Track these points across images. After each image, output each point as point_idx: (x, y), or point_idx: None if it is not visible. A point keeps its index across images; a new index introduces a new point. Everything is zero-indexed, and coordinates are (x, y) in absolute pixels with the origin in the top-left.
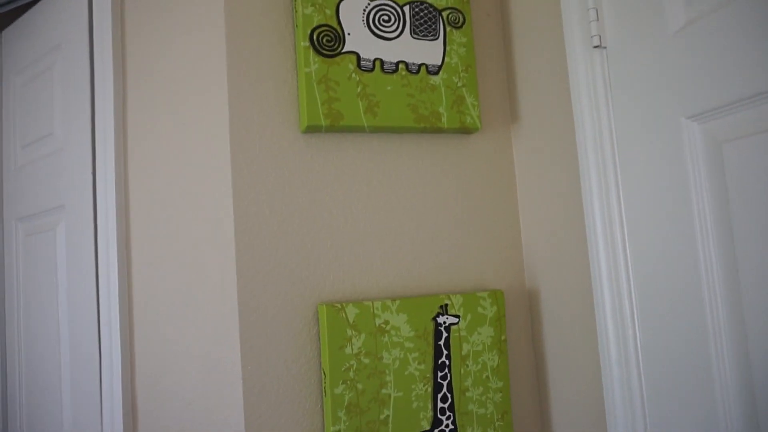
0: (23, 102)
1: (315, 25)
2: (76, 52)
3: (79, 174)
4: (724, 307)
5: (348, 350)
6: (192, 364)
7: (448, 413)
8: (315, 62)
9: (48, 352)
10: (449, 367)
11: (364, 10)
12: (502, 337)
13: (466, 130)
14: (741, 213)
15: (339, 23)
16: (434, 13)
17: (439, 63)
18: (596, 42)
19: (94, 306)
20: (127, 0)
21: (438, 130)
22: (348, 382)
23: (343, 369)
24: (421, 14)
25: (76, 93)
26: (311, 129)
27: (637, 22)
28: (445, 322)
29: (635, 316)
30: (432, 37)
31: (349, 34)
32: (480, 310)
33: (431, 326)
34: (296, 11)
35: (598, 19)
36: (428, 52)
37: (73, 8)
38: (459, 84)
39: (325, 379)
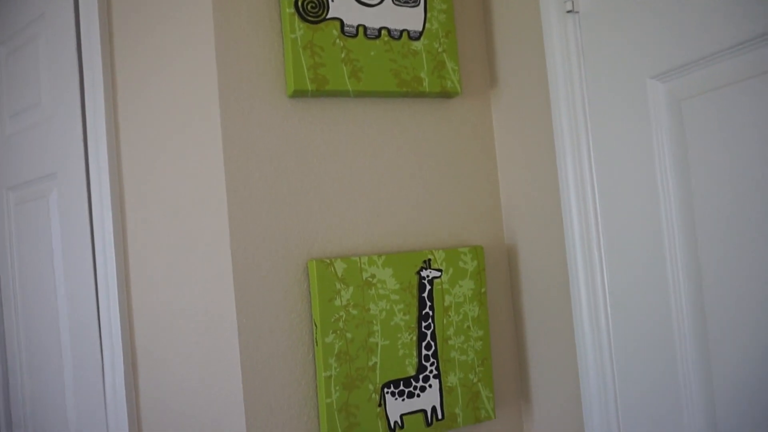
0: (9, 72)
1: None
2: (61, 19)
3: (69, 142)
4: (681, 248)
5: (337, 302)
6: (189, 320)
7: (432, 360)
8: (300, 28)
9: (46, 317)
10: (433, 317)
11: None
12: (482, 290)
13: (446, 95)
14: (697, 163)
15: None
16: None
17: (420, 29)
18: (569, 7)
19: (91, 269)
20: None
21: (420, 95)
22: (338, 332)
23: (332, 320)
24: None
25: (63, 62)
26: (298, 93)
27: None
28: (428, 276)
29: (603, 265)
30: (413, 4)
31: (333, 0)
32: (461, 264)
33: (415, 279)
34: None
35: None
36: (410, 18)
37: None
38: (440, 49)
39: (316, 329)
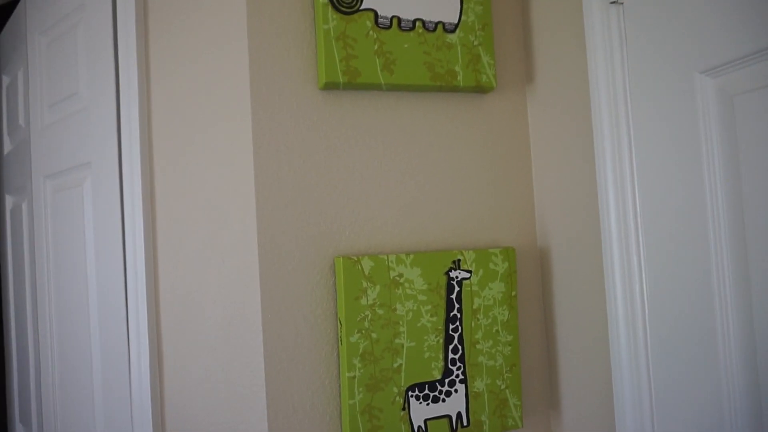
0: (49, 62)
1: None
2: (99, 10)
3: (104, 131)
4: (729, 256)
5: (363, 301)
6: (215, 313)
7: (458, 364)
8: (333, 19)
9: (76, 301)
10: (461, 320)
11: None
12: (513, 293)
13: (481, 89)
14: (750, 163)
15: None
16: None
17: (456, 21)
18: None
19: (120, 257)
20: None
21: (454, 89)
22: (363, 332)
23: (358, 319)
24: None
25: (100, 52)
26: (329, 86)
27: None
28: (457, 277)
29: (643, 273)
30: None
31: None
32: (492, 266)
33: (444, 280)
34: None
35: None
36: (445, 9)
37: None
38: (475, 42)
39: (341, 328)
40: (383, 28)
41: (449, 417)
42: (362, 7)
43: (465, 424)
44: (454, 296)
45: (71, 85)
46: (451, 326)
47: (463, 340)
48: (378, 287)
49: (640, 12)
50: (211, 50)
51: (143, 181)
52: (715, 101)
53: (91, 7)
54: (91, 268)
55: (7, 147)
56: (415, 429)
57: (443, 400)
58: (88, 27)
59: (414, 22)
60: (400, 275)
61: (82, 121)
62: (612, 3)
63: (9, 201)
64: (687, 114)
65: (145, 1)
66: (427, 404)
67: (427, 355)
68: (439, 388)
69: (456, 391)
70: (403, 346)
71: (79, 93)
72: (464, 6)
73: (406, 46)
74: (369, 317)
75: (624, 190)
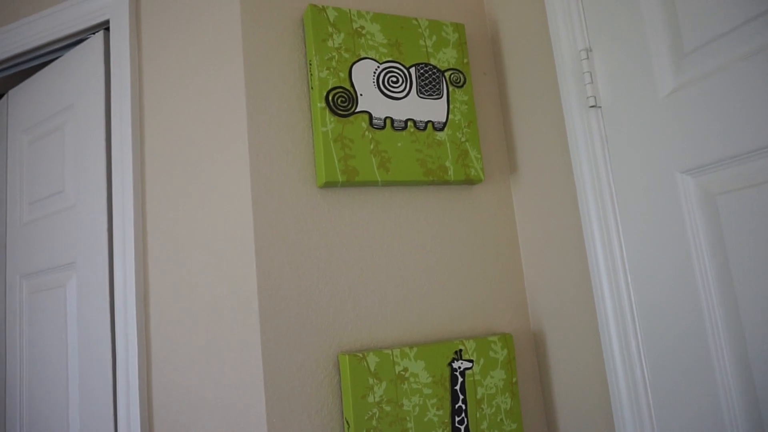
0: (30, 159)
1: (330, 87)
2: (91, 110)
3: (92, 230)
4: (728, 348)
5: (370, 398)
6: (216, 418)
7: None
8: (331, 122)
9: (56, 414)
10: (465, 411)
11: (375, 72)
12: (514, 380)
13: (470, 182)
14: (738, 258)
15: (352, 85)
16: (438, 74)
17: (444, 120)
18: (592, 102)
19: (109, 364)
20: (145, 63)
21: (445, 182)
22: (371, 431)
23: (366, 418)
24: (426, 75)
25: (90, 150)
26: (328, 184)
27: (629, 85)
28: (460, 367)
29: (642, 356)
30: (436, 96)
31: (361, 95)
32: (492, 353)
33: (447, 372)
34: (312, 75)
35: (592, 82)
36: (433, 110)
37: (87, 69)
38: (462, 139)
39: (348, 428)
40: (377, 128)
41: None
42: (357, 110)
43: None
44: (458, 387)
45: (56, 182)
46: (457, 419)
47: (469, 431)
48: (384, 383)
49: (618, 115)
50: (211, 152)
51: (137, 283)
52: (697, 199)
53: (81, 108)
54: (73, 377)
55: None
56: None
57: None
58: (77, 126)
59: (406, 122)
60: (405, 369)
61: (67, 219)
62: (591, 107)
63: None
64: (671, 208)
65: (141, 103)
66: None
67: None
68: None
69: None
70: None
71: (64, 191)
72: (450, 106)
73: (399, 144)
74: (377, 415)
75: (617, 276)
